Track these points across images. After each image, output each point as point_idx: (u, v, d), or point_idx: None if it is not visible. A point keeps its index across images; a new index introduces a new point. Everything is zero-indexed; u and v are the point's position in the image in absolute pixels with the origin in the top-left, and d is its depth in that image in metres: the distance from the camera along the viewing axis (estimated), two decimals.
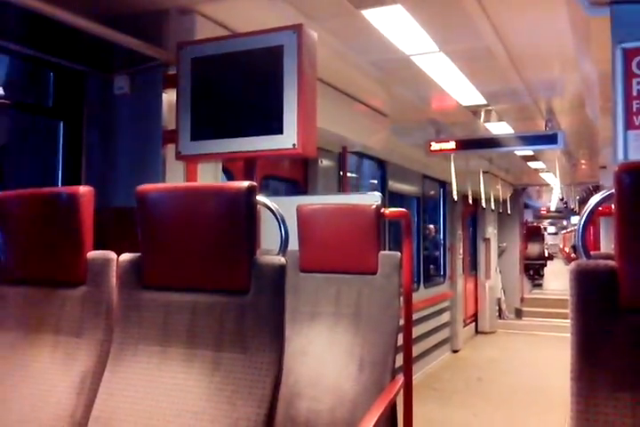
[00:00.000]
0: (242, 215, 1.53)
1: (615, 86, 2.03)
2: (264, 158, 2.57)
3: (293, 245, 2.37)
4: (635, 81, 2.00)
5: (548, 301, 11.67)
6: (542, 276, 17.07)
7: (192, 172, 2.80)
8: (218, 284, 1.55)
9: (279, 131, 2.35)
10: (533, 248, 16.38)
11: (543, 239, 17.48)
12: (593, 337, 1.22)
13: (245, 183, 1.54)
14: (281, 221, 1.73)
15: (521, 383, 6.38)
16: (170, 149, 2.69)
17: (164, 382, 1.51)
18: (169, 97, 2.77)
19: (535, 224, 18.66)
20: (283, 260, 1.53)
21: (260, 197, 1.65)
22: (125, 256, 1.66)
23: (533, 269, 15.81)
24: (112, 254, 1.71)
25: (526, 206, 20.69)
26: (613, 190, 1.24)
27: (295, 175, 4.40)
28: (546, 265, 17.03)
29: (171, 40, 2.74)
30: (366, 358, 2.22)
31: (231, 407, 1.42)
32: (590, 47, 2.72)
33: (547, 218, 26.43)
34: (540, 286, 15.39)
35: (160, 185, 1.76)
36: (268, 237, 2.03)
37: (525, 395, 5.90)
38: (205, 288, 1.56)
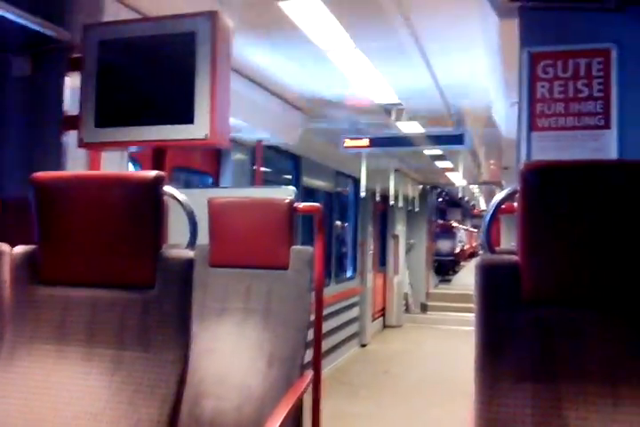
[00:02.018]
0: (148, 207, 1.46)
1: (521, 89, 2.11)
2: (174, 148, 2.47)
3: (204, 239, 2.31)
4: (540, 84, 2.08)
5: (451, 295, 12.13)
6: (456, 272, 17.71)
7: (96, 161, 2.66)
8: (120, 278, 1.48)
9: (190, 120, 2.27)
10: (444, 245, 16.97)
11: (454, 236, 18.10)
12: (496, 329, 1.25)
13: (152, 173, 1.47)
14: (190, 214, 1.67)
15: (425, 375, 6.59)
16: (72, 137, 2.54)
17: (61, 383, 1.43)
18: (73, 81, 2.61)
19: (447, 222, 19.32)
20: (191, 254, 1.48)
21: (169, 188, 1.58)
22: (20, 249, 1.54)
23: (444, 265, 16.36)
24: (4, 247, 1.59)
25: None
26: (517, 188, 1.28)
27: (207, 168, 4.30)
28: (458, 262, 17.65)
29: (77, 21, 2.58)
30: (276, 353, 2.20)
31: (132, 408, 1.36)
32: (499, 49, 2.82)
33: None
34: (448, 281, 15.93)
35: (58, 173, 1.65)
36: (178, 231, 1.96)
37: (430, 386, 6.10)
38: (107, 283, 1.48)
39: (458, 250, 18.07)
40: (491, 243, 1.40)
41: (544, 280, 1.25)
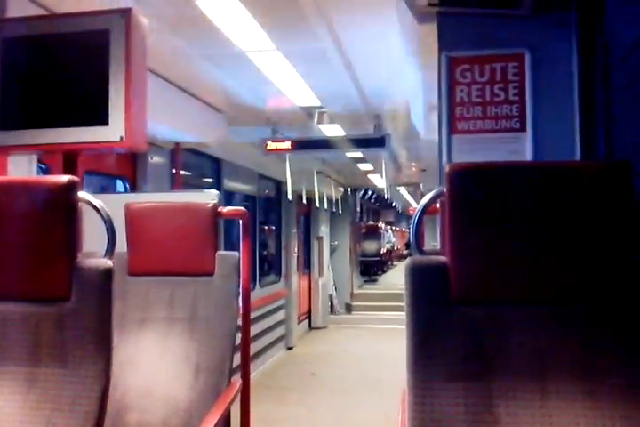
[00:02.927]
0: (60, 214, 1.38)
1: (440, 93, 2.14)
2: (87, 152, 2.36)
3: (122, 247, 2.22)
4: (458, 88, 2.13)
5: (375, 295, 12.33)
6: (385, 271, 17.96)
7: (1, 165, 2.50)
8: (33, 292, 1.40)
9: (104, 122, 2.17)
10: (371, 246, 17.21)
11: (380, 237, 18.39)
12: (427, 329, 1.27)
13: (65, 178, 1.39)
14: (107, 221, 1.58)
15: (352, 375, 6.64)
16: None
17: None
18: None
19: (373, 223, 19.60)
20: (109, 263, 1.41)
21: (83, 194, 1.50)
22: None
23: (370, 265, 16.58)
24: None
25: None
26: (443, 189, 1.29)
27: (123, 171, 4.14)
28: (385, 262, 17.90)
29: None
30: (202, 363, 2.13)
31: None
32: (418, 54, 2.86)
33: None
34: (375, 281, 16.13)
35: None
36: (94, 239, 1.86)
37: (357, 386, 6.15)
38: (18, 297, 1.40)
39: (384, 251, 18.37)
40: (419, 244, 1.42)
41: (471, 279, 1.28)
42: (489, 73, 2.10)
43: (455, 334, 1.26)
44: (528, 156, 2.05)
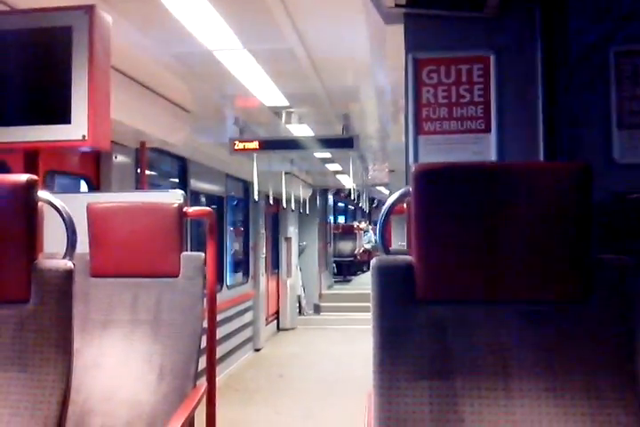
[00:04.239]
0: (19, 214, 1.35)
1: (407, 94, 2.15)
2: (49, 151, 2.31)
3: (86, 247, 2.18)
4: (425, 89, 2.14)
5: (344, 296, 12.35)
6: (365, 271, 17.89)
7: None
8: None
9: (67, 120, 2.13)
10: (346, 246, 17.21)
11: (356, 238, 18.41)
12: (393, 329, 1.27)
13: (24, 177, 1.36)
14: (67, 221, 1.55)
15: (320, 376, 6.64)
16: None
17: None
18: None
19: (348, 224, 19.61)
20: (69, 264, 1.38)
21: (43, 193, 1.46)
22: None
23: (344, 266, 16.57)
24: None
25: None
26: (409, 189, 1.30)
27: (86, 171, 4.05)
28: (362, 262, 17.86)
29: None
30: (167, 365, 2.10)
31: None
32: (385, 55, 2.88)
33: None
34: (349, 281, 16.11)
35: None
36: (56, 239, 1.82)
37: (325, 387, 6.16)
38: None
39: (361, 251, 18.38)
40: (385, 244, 1.42)
41: (436, 279, 1.28)
42: (455, 74, 2.12)
43: (421, 334, 1.26)
44: (492, 156, 2.07)
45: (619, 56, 2.03)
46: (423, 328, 1.27)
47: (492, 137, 2.09)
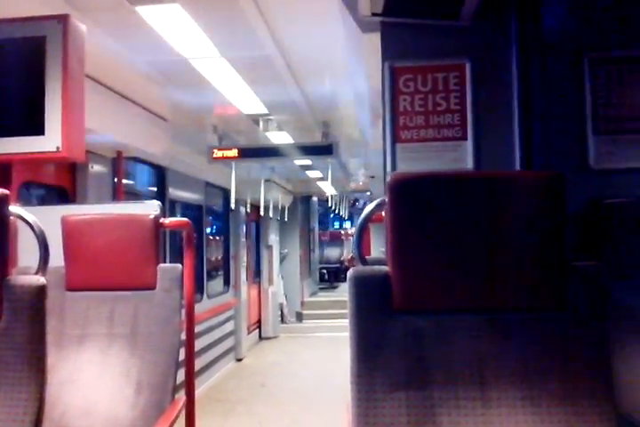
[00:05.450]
0: None
1: (384, 102, 2.15)
2: (22, 163, 2.27)
3: (62, 260, 2.14)
4: (402, 98, 2.14)
5: (326, 303, 12.30)
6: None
7: None
8: None
9: (40, 131, 2.09)
10: (333, 252, 17.19)
11: (343, 245, 18.38)
12: (370, 340, 1.26)
13: None
14: (39, 236, 1.51)
15: (303, 385, 6.60)
16: None
17: None
18: None
19: (336, 230, 19.60)
20: (42, 280, 1.35)
21: (14, 208, 1.43)
22: None
23: (330, 273, 16.52)
24: None
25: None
26: (385, 199, 1.29)
27: (61, 182, 3.99)
28: (348, 268, 17.75)
29: None
30: (144, 379, 2.07)
31: None
32: (363, 62, 2.88)
33: None
34: (335, 288, 16.04)
35: None
36: (34, 251, 1.78)
37: (307, 396, 6.11)
38: None
39: (348, 257, 18.35)
40: (362, 254, 1.41)
41: (413, 289, 1.28)
42: (431, 83, 2.12)
43: (398, 344, 1.26)
44: (469, 164, 2.08)
45: (593, 63, 2.05)
46: (400, 339, 1.26)
47: (469, 144, 2.10)
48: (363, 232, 1.41)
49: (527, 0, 2.03)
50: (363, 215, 1.38)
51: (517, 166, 2.03)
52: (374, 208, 1.35)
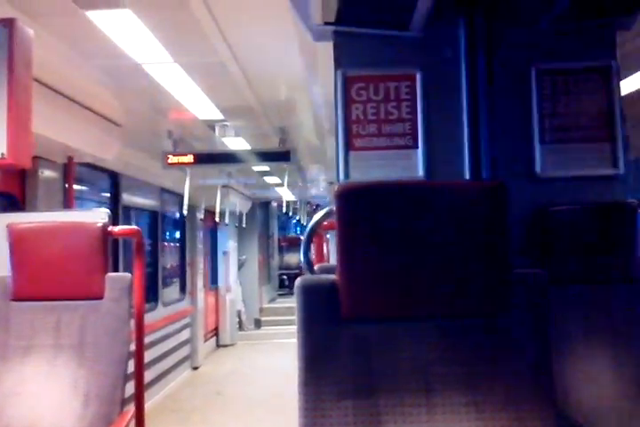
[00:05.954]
0: None
1: (337, 110, 2.16)
2: None
3: (5, 270, 2.08)
4: (354, 106, 2.15)
5: (285, 309, 12.25)
6: None
7: None
8: None
9: None
10: (292, 258, 17.10)
11: None
12: (318, 348, 1.26)
13: None
14: None
15: (258, 392, 6.55)
16: None
17: None
18: None
19: (294, 236, 19.51)
20: None
21: None
22: None
23: (290, 278, 16.44)
24: None
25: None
26: (333, 208, 1.30)
27: (10, 188, 3.88)
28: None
29: None
30: (92, 391, 2.02)
31: None
32: (317, 70, 2.89)
33: None
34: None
35: None
36: None
37: (263, 403, 6.07)
38: None
39: None
40: (310, 263, 1.41)
41: (360, 297, 1.28)
42: (383, 92, 2.14)
43: (345, 353, 1.26)
44: (420, 172, 2.10)
45: (539, 74, 2.10)
46: (347, 347, 1.26)
47: (420, 153, 2.12)
48: (310, 240, 1.41)
49: (476, 12, 2.07)
50: (310, 224, 1.38)
51: (467, 174, 2.06)
52: (322, 217, 1.36)
